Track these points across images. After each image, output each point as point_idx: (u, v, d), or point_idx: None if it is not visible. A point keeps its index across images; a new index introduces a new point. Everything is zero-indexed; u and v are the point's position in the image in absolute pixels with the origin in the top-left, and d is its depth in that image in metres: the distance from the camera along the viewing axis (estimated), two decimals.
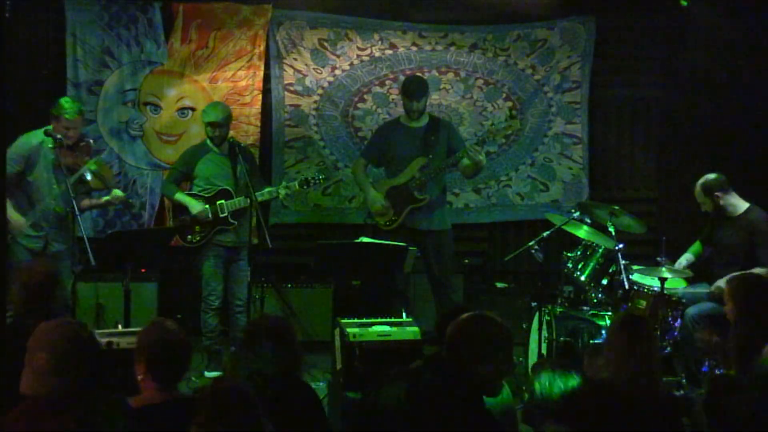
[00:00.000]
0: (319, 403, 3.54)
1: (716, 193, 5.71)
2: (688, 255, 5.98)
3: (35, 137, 5.63)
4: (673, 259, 5.91)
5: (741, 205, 5.75)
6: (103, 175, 5.76)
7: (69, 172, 5.53)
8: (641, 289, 5.71)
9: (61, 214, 5.65)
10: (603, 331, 5.63)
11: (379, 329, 4.76)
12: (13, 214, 5.53)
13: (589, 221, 5.95)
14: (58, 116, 5.62)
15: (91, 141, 5.93)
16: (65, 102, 5.73)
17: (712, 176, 5.77)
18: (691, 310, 5.51)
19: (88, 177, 5.62)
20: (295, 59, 7.29)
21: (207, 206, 5.99)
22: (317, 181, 6.26)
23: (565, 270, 5.87)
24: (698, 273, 5.85)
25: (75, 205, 5.24)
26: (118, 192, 5.87)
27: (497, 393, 3.21)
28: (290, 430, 3.10)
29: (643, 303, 5.66)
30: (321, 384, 5.61)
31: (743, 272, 5.19)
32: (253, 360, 3.30)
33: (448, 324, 3.56)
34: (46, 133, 5.53)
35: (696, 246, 6.00)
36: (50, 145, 5.53)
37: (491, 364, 3.10)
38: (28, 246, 5.62)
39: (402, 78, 7.02)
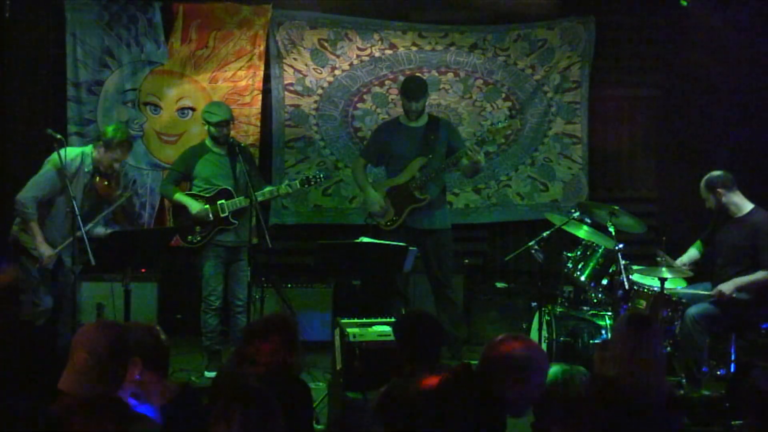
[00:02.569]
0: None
1: (719, 189, 5.63)
2: (691, 251, 5.93)
3: (76, 158, 5.54)
4: (673, 258, 5.88)
5: (745, 205, 5.66)
6: (131, 210, 5.76)
7: (100, 199, 5.56)
8: (641, 289, 5.71)
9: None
10: (603, 331, 5.63)
11: (379, 329, 4.76)
12: (42, 246, 5.44)
13: (589, 221, 5.95)
14: (115, 146, 5.56)
15: (118, 168, 5.81)
16: (119, 131, 5.65)
17: (717, 173, 5.72)
18: (692, 311, 5.49)
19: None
20: (295, 59, 7.29)
21: (207, 206, 5.98)
22: (318, 180, 6.25)
23: (565, 270, 5.87)
24: (699, 273, 5.83)
25: (75, 205, 5.17)
26: None
27: (523, 415, 3.12)
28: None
29: (643, 303, 5.66)
30: (320, 384, 5.61)
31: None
32: None
33: (406, 326, 3.56)
34: (85, 155, 5.48)
35: (698, 244, 5.96)
36: (87, 170, 5.54)
37: (525, 388, 2.99)
38: (42, 265, 5.48)
39: (402, 78, 7.02)
